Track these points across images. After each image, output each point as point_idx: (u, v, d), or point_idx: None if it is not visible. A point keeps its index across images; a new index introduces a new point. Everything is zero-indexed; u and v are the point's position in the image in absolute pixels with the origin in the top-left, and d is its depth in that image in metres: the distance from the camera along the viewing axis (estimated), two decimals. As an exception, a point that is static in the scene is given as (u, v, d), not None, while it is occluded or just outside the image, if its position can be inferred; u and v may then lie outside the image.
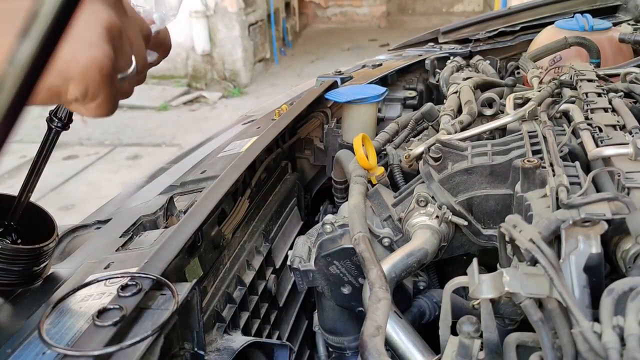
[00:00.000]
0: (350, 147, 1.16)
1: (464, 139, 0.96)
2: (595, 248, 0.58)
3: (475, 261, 0.60)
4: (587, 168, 0.79)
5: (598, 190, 0.70)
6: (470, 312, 0.63)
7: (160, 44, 0.67)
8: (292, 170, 1.40)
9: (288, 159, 1.37)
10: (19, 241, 0.74)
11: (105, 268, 0.78)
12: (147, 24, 0.61)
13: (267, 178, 1.23)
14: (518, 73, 1.52)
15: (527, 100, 1.03)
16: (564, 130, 0.88)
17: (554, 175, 0.70)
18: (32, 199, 0.75)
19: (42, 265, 0.76)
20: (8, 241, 0.73)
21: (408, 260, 0.83)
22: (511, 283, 0.57)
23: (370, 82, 1.54)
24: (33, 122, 1.27)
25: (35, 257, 0.73)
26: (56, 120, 0.69)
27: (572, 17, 1.61)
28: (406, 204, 0.94)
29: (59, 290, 0.75)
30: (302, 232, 1.22)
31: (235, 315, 0.96)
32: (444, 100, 1.28)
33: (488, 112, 1.15)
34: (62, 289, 0.75)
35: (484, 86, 1.29)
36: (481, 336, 0.60)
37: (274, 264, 1.16)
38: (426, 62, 1.72)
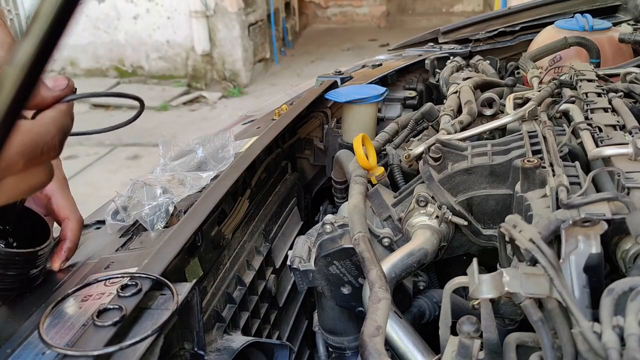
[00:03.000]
0: (350, 147, 1.16)
1: (464, 139, 0.96)
2: (595, 248, 0.58)
3: (475, 261, 0.60)
4: (587, 168, 0.79)
5: (598, 190, 0.70)
6: (470, 312, 0.63)
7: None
8: (292, 170, 1.40)
9: (288, 159, 1.37)
10: (14, 244, 0.74)
11: (105, 268, 0.78)
12: None
13: (267, 178, 1.23)
14: (518, 73, 1.52)
15: (527, 100, 1.03)
16: (564, 130, 0.88)
17: (554, 175, 0.70)
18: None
19: (38, 269, 0.75)
20: (2, 244, 0.73)
21: (408, 260, 0.83)
22: (511, 283, 0.57)
23: (370, 82, 1.54)
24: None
25: (30, 262, 0.72)
26: None
27: (572, 17, 1.61)
28: (406, 204, 0.94)
29: (59, 290, 0.75)
30: (302, 232, 1.22)
31: (235, 315, 0.96)
32: (444, 100, 1.28)
33: (488, 112, 1.15)
34: (62, 289, 0.75)
35: (484, 86, 1.29)
36: (481, 336, 0.60)
37: (274, 264, 1.16)
38: (426, 62, 1.72)
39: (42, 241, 0.73)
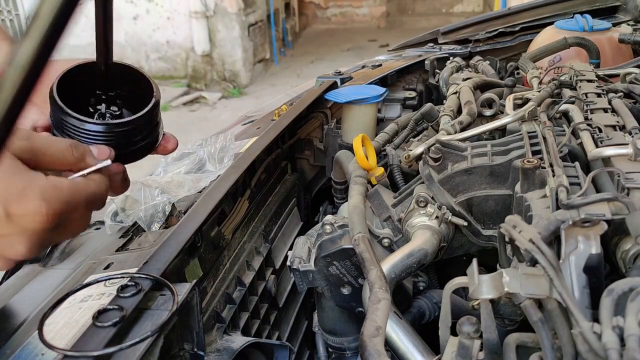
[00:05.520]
0: (350, 148, 1.16)
1: (463, 140, 0.96)
2: (595, 248, 0.58)
3: (475, 261, 0.60)
4: (587, 168, 0.79)
5: (598, 191, 0.70)
6: (470, 313, 0.63)
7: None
8: (292, 170, 1.40)
9: (288, 160, 1.37)
10: (122, 110, 0.68)
11: (105, 268, 0.78)
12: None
13: (266, 178, 1.23)
14: (518, 73, 1.53)
15: (527, 100, 1.03)
16: (564, 130, 0.88)
17: (553, 176, 0.70)
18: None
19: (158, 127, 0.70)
20: (115, 110, 0.67)
21: (408, 260, 0.83)
22: (511, 283, 0.57)
23: (370, 83, 1.54)
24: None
25: (151, 120, 0.67)
26: None
27: (572, 17, 1.62)
28: (406, 204, 0.94)
29: (59, 290, 0.75)
30: (301, 232, 1.22)
31: (235, 315, 0.96)
32: (444, 101, 1.28)
33: (488, 112, 1.15)
34: (62, 289, 0.75)
35: (483, 86, 1.29)
36: (481, 337, 0.60)
37: (273, 265, 1.16)
38: (426, 62, 1.72)
39: (148, 96, 0.67)
